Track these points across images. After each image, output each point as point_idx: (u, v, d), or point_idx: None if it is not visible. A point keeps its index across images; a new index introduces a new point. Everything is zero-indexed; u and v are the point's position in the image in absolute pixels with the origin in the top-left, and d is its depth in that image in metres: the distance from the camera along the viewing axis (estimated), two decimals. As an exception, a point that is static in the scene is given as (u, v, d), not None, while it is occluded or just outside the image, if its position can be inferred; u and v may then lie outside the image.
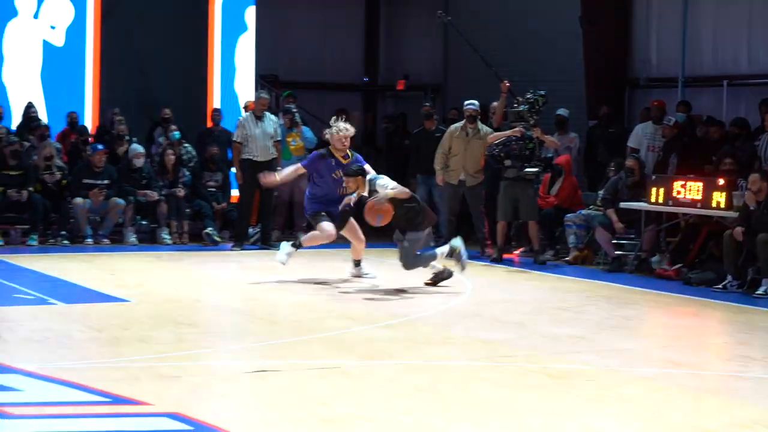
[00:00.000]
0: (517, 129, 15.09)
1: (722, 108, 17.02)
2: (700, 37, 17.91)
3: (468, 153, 15.87)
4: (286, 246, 12.81)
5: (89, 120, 19.38)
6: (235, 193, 17.44)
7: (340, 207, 12.52)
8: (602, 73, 18.76)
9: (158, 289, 12.08)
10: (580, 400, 7.15)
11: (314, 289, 11.96)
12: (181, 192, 17.05)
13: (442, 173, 16.07)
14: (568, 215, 15.43)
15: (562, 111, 17.21)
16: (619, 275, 14.08)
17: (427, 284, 12.39)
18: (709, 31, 17.85)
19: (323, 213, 12.65)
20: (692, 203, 13.79)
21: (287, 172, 13.59)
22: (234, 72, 20.86)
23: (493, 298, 12.08)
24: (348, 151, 12.77)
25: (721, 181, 13.53)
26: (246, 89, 20.71)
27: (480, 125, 15.98)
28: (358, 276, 13.07)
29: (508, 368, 8.15)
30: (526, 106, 15.11)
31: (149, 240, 17.01)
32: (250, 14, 20.93)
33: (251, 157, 16.13)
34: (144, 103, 19.23)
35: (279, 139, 16.63)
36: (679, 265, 13.82)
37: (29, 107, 18.43)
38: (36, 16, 19.33)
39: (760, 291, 12.43)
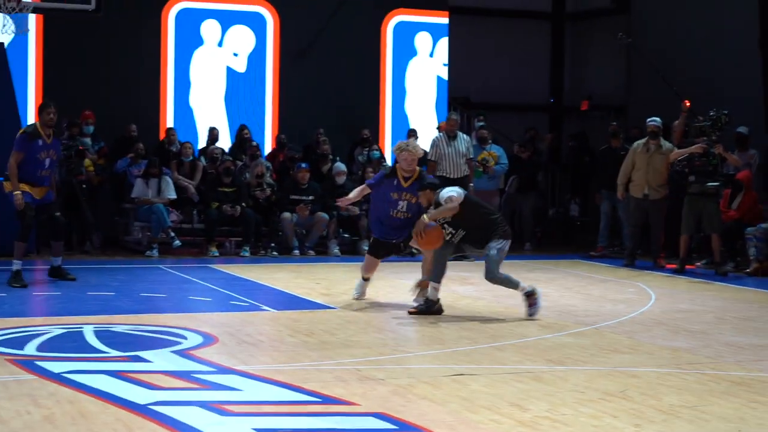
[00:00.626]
0: (699, 146, 14.85)
1: None
2: None
3: (650, 167, 15.73)
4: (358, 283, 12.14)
5: (268, 140, 19.90)
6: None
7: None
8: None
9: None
10: (766, 407, 6.93)
11: (505, 298, 11.87)
12: (379, 207, 17.19)
13: (624, 187, 15.98)
14: (749, 228, 15.06)
15: (742, 129, 16.78)
16: (799, 287, 13.67)
17: (411, 312, 11.00)
18: None
19: (377, 240, 11.84)
20: None
21: (355, 193, 12.05)
22: (405, 94, 21.02)
23: (677, 307, 11.83)
24: (418, 170, 11.56)
25: None
26: (414, 110, 20.92)
27: (662, 141, 15.82)
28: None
29: (694, 375, 7.96)
30: (709, 123, 14.87)
31: (351, 251, 17.26)
32: (420, 39, 21.06)
33: (445, 175, 16.09)
34: (332, 124, 19.54)
35: (471, 157, 16.65)
36: None
37: (242, 129, 18.88)
38: (220, 44, 19.86)
39: None
